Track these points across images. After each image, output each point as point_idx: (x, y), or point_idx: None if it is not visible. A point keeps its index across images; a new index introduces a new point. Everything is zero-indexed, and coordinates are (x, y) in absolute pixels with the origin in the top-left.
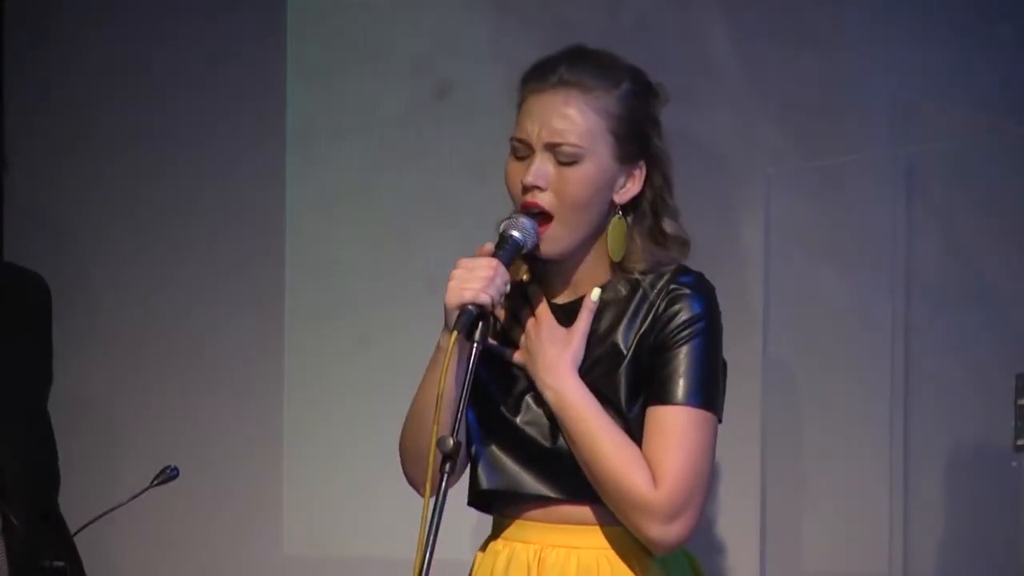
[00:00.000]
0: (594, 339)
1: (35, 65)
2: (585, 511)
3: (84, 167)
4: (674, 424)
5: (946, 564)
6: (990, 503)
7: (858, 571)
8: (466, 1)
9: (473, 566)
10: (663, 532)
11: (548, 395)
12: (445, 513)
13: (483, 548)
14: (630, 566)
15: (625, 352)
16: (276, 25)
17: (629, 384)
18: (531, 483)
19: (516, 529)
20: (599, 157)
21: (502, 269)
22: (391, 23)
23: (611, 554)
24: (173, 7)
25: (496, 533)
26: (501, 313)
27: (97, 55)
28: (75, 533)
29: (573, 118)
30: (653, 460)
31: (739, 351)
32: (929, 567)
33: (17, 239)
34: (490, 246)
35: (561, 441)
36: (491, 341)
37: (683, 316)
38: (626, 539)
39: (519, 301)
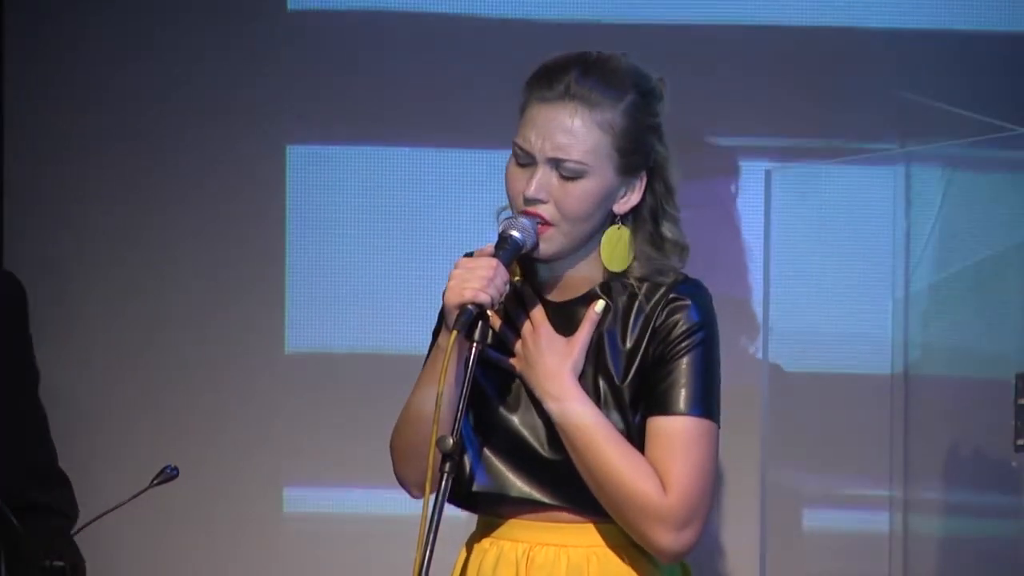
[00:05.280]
0: (591, 349)
1: (35, 63)
2: (575, 514)
3: (83, 165)
4: (679, 433)
5: (946, 564)
6: (990, 503)
7: (858, 572)
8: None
9: (457, 563)
10: (674, 540)
11: (550, 404)
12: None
13: (468, 545)
14: (619, 563)
15: (623, 363)
16: (276, 22)
17: (627, 394)
18: (521, 487)
19: (504, 527)
20: (602, 172)
21: (502, 269)
22: (391, 23)
23: (600, 551)
24: (172, 4)
25: (482, 531)
26: (496, 321)
27: (96, 53)
28: (74, 533)
29: (578, 134)
30: (660, 469)
31: (739, 353)
32: (929, 567)
33: (17, 237)
34: (490, 246)
35: (555, 449)
36: (489, 349)
37: (683, 326)
38: (616, 535)
39: (513, 303)
